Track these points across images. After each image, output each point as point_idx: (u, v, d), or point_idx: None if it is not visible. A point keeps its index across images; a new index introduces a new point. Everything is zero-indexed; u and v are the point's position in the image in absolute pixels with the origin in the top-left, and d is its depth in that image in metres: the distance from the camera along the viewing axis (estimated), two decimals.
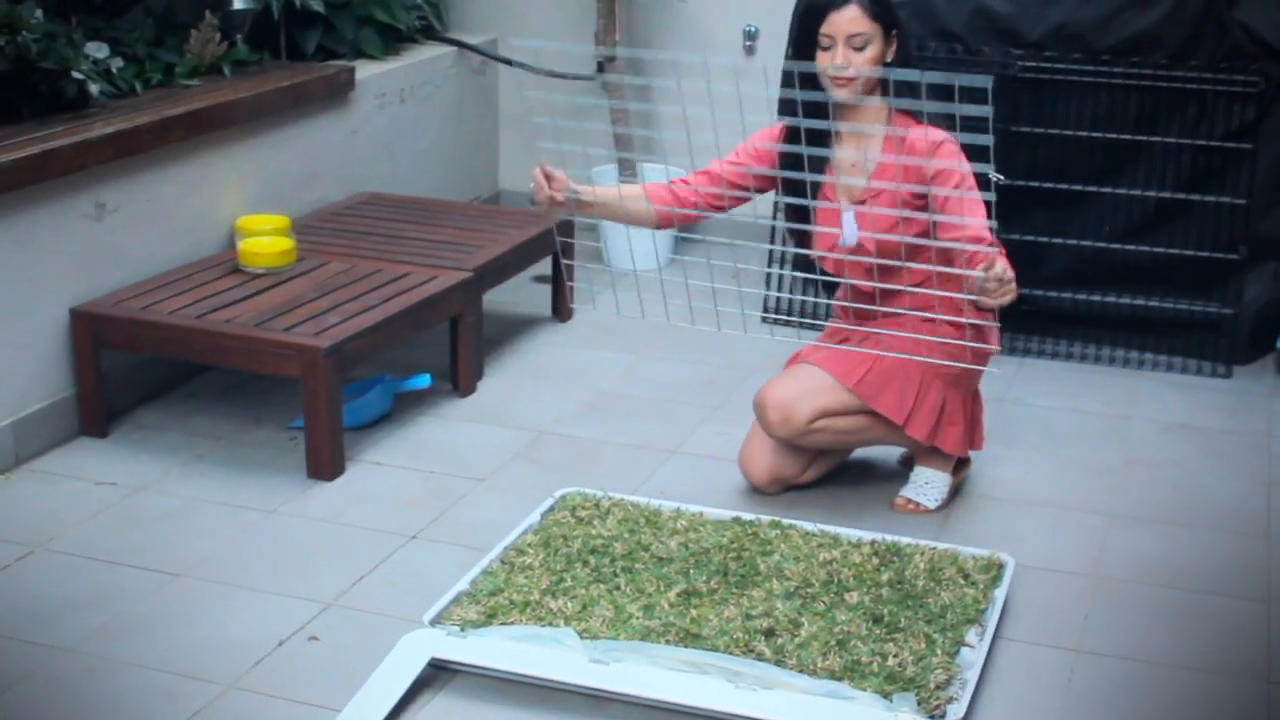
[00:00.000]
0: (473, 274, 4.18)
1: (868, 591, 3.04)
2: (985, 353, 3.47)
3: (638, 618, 2.91)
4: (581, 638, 2.82)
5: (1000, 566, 3.16)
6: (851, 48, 3.26)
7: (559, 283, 4.84)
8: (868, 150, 3.35)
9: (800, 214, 3.44)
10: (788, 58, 3.34)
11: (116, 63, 4.27)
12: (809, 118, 3.24)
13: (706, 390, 4.20)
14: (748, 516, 3.37)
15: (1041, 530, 3.48)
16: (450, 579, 3.10)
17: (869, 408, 3.40)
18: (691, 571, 3.11)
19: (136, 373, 4.05)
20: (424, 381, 4.07)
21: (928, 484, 3.51)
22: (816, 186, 3.38)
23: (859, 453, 3.69)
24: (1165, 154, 4.43)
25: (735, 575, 3.10)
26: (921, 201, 3.29)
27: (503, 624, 2.87)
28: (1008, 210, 4.51)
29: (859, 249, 3.40)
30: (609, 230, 5.41)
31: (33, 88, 3.96)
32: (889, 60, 3.30)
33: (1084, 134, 4.44)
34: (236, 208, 4.42)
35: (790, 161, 3.33)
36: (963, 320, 3.31)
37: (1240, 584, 3.25)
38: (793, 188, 3.38)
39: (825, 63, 3.27)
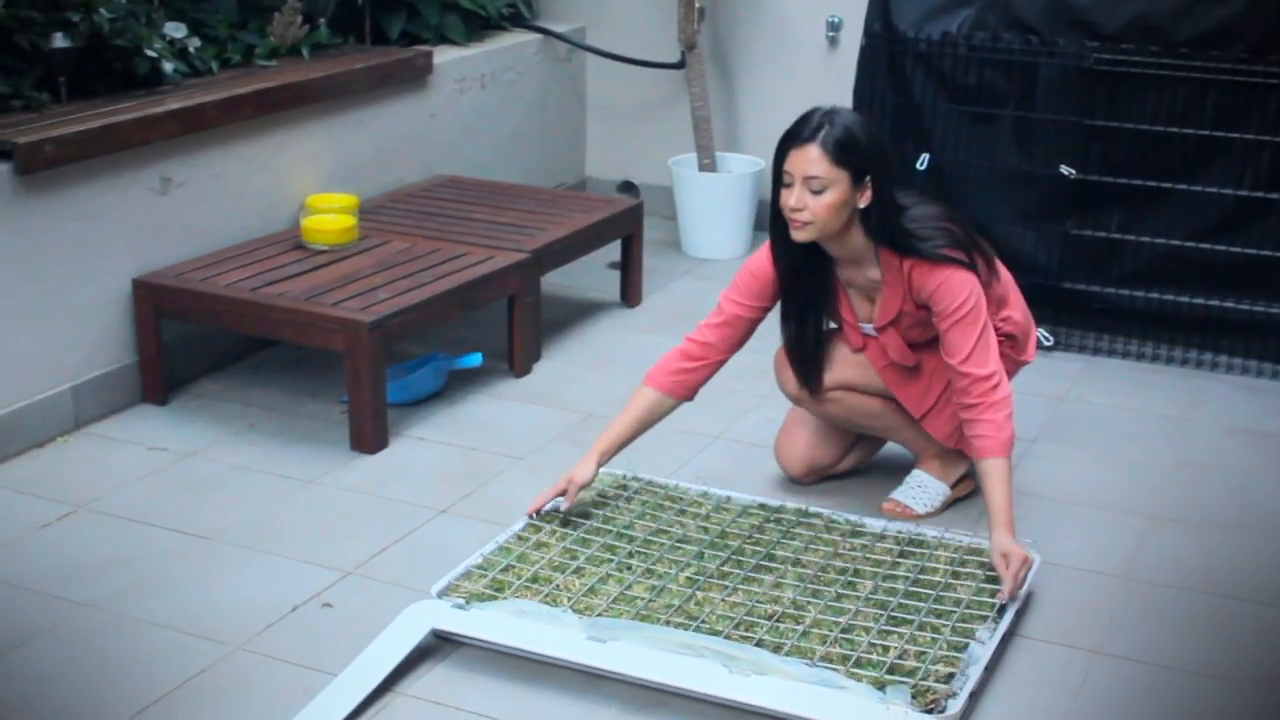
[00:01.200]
0: (530, 255, 4.21)
1: (883, 582, 3.00)
2: (1019, 365, 3.44)
3: (643, 598, 2.91)
4: (581, 616, 2.82)
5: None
6: (808, 190, 3.00)
7: (629, 268, 4.84)
8: (867, 274, 3.20)
9: (810, 332, 3.33)
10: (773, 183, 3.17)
11: (194, 43, 4.38)
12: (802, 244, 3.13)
13: (759, 379, 4.15)
14: (774, 503, 3.35)
15: (1079, 529, 3.40)
16: (471, 553, 3.13)
17: (890, 394, 3.35)
18: (706, 554, 3.09)
19: (201, 344, 4.15)
20: (475, 360, 4.11)
21: (920, 488, 3.44)
22: (834, 304, 3.31)
23: (893, 446, 3.64)
24: (1244, 151, 4.29)
25: (750, 560, 3.08)
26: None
27: (507, 599, 2.89)
28: (1081, 206, 4.45)
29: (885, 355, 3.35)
30: (686, 217, 5.42)
31: (107, 64, 4.07)
32: (862, 205, 3.04)
33: (1160, 129, 4.33)
34: (308, 186, 4.49)
35: (791, 282, 3.23)
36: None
37: (1279, 591, 3.14)
38: (800, 305, 3.28)
39: (784, 200, 3.04)
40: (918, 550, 3.15)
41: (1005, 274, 3.38)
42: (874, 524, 3.27)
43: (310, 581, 3.10)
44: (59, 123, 3.72)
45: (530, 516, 3.21)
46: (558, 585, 2.95)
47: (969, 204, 4.59)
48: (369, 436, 3.70)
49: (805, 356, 3.33)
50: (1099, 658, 2.88)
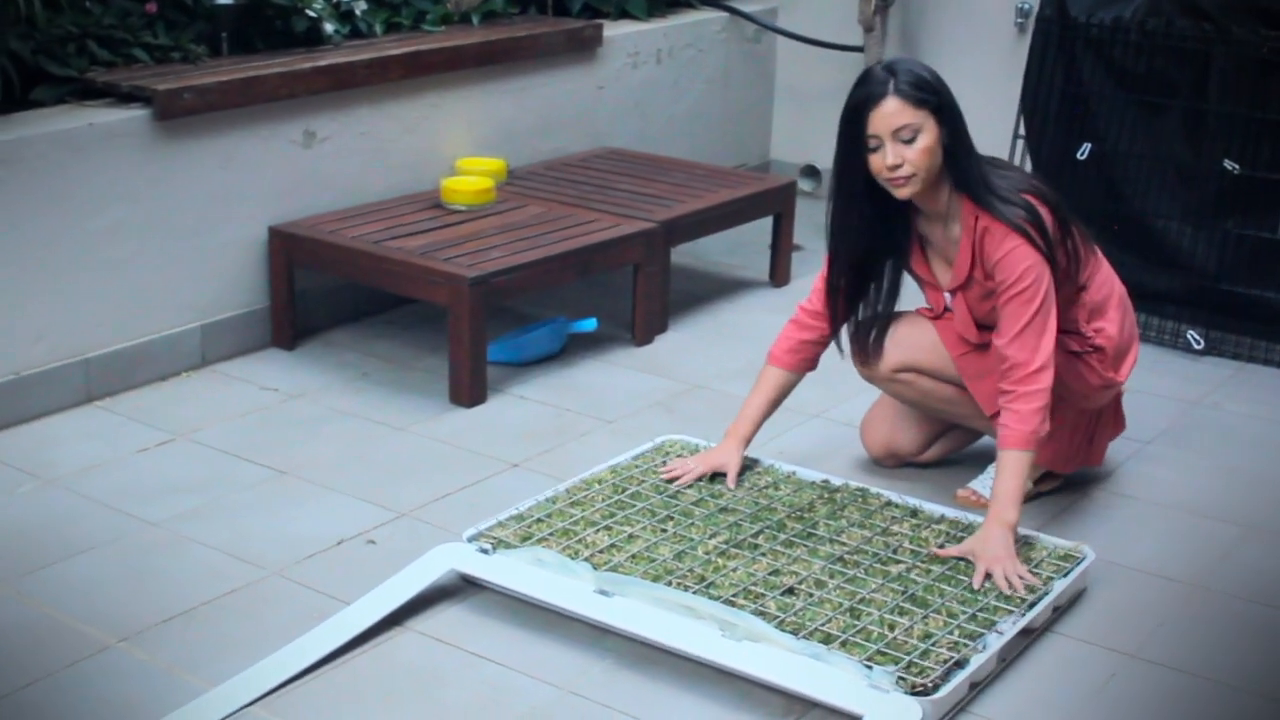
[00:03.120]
0: (657, 225, 4.22)
1: (916, 565, 2.91)
2: (1109, 383, 3.22)
3: (663, 559, 2.89)
4: (596, 569, 2.83)
5: (1077, 559, 2.95)
6: (900, 141, 2.91)
7: (778, 248, 4.80)
8: (949, 232, 3.09)
9: (888, 280, 3.23)
10: (836, 159, 3.06)
11: (360, 5, 4.54)
12: (880, 196, 3.02)
13: None
14: (837, 481, 3.28)
15: (1163, 533, 3.22)
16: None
17: (964, 384, 3.24)
18: (745, 524, 3.05)
19: (337, 294, 4.30)
20: (590, 325, 4.15)
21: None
22: (907, 258, 3.20)
23: (988, 440, 3.51)
24: None
25: (790, 533, 3.02)
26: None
27: (529, 547, 2.91)
28: (1244, 204, 4.21)
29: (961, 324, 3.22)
30: None
31: (267, 22, 4.27)
32: (946, 142, 2.95)
33: None
34: (460, 149, 4.61)
35: (871, 237, 3.13)
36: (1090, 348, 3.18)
37: None
38: (877, 262, 3.18)
39: (877, 165, 2.94)
40: (965, 536, 3.03)
41: (1110, 285, 3.21)
42: (935, 509, 3.17)
43: (363, 519, 3.20)
44: (204, 73, 3.92)
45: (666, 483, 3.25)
46: (582, 539, 2.96)
47: (1129, 195, 4.40)
48: (466, 390, 3.78)
49: (868, 312, 3.23)
50: (1132, 661, 2.73)
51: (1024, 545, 2.99)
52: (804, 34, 5.61)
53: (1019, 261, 2.97)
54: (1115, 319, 3.22)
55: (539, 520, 3.04)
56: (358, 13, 4.54)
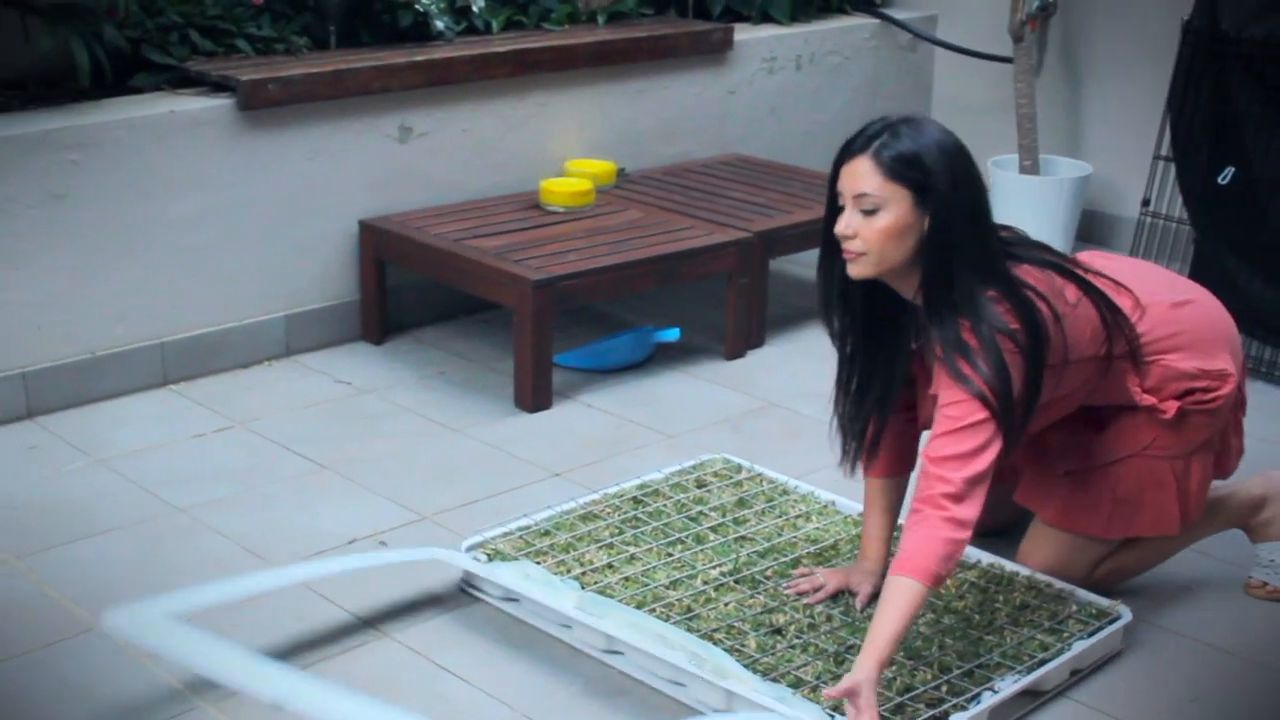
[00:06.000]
0: (753, 236, 4.07)
1: (928, 613, 2.71)
2: (1219, 398, 2.76)
3: (657, 586, 2.76)
4: (583, 588, 2.72)
5: (1110, 619, 2.71)
6: (859, 210, 2.44)
7: None
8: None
9: (881, 374, 2.70)
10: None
11: (478, 2, 4.51)
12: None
13: None
14: None
15: (1224, 597, 2.93)
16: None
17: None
18: (757, 557, 2.89)
19: (433, 291, 4.26)
20: (672, 335, 4.03)
21: (1273, 562, 2.97)
22: (907, 354, 2.69)
23: None
24: None
25: (802, 567, 2.86)
26: None
27: (520, 560, 2.82)
28: None
29: None
30: (1001, 220, 5.06)
31: (375, 16, 4.28)
32: (925, 235, 2.42)
33: None
34: (571, 149, 4.54)
35: (867, 323, 2.65)
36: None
37: None
38: (873, 352, 2.68)
39: (837, 227, 2.48)
40: (995, 585, 2.82)
41: (1154, 320, 2.74)
42: (971, 554, 2.95)
43: (384, 519, 3.15)
44: (296, 65, 3.93)
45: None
46: (580, 556, 2.85)
47: (1274, 224, 4.07)
48: (528, 395, 3.70)
49: (856, 425, 2.73)
50: None
51: (1055, 600, 2.76)
52: (961, 44, 5.38)
53: (951, 400, 2.45)
54: (1178, 345, 2.74)
55: (544, 533, 2.95)
56: (475, 9, 4.51)
